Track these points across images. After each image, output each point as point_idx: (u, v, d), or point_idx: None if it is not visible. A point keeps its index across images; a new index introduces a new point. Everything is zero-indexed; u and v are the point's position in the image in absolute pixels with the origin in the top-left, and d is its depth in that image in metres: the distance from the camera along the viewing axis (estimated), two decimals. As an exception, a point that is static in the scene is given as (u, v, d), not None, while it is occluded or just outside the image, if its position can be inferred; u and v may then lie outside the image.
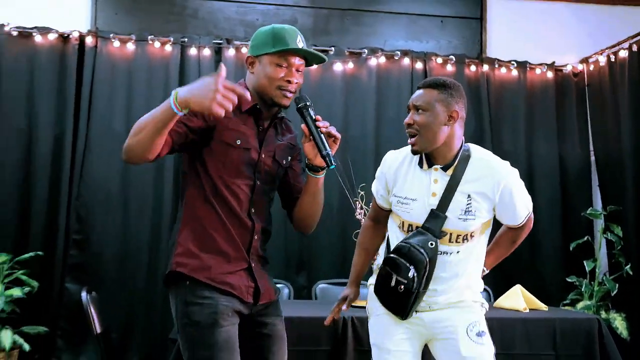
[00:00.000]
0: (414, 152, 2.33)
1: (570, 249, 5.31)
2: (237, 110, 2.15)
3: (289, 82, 2.15)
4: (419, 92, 2.32)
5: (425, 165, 2.34)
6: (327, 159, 2.07)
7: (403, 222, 2.38)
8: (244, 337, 2.19)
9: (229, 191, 2.15)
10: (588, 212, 5.34)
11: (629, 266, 4.98)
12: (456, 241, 2.31)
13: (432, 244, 2.25)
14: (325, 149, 2.07)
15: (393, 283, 2.27)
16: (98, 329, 3.08)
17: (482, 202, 2.29)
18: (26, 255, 4.75)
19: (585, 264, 5.16)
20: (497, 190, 2.27)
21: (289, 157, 2.33)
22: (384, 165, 2.49)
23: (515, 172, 2.35)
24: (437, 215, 2.27)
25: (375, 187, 2.54)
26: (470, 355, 2.27)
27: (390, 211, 2.50)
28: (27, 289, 4.65)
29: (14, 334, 4.52)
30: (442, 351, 2.35)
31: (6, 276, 4.65)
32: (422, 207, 2.31)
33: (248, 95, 1.98)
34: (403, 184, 2.39)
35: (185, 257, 2.15)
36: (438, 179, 2.31)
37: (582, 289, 5.16)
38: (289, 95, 2.17)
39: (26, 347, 4.56)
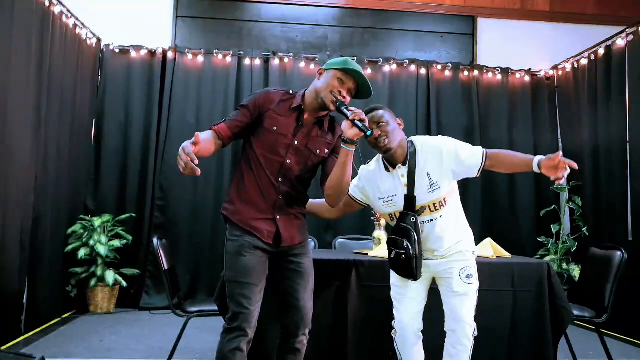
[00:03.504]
0: (387, 151, 2.44)
1: (541, 215, 5.53)
2: (287, 107, 2.32)
3: (340, 92, 2.25)
4: (375, 112, 2.45)
5: (390, 169, 2.52)
6: (366, 131, 2.13)
7: (390, 214, 2.54)
8: (276, 270, 2.33)
9: (264, 162, 2.28)
10: (555, 186, 5.47)
11: (585, 228, 5.19)
12: (435, 209, 2.45)
13: (412, 219, 2.42)
14: (365, 128, 2.13)
15: (393, 255, 2.47)
16: (165, 266, 3.20)
17: (439, 173, 2.44)
18: (123, 216, 5.17)
19: (552, 227, 5.37)
20: (445, 157, 2.43)
21: (326, 150, 2.35)
22: (361, 177, 2.64)
23: (448, 139, 2.51)
24: (409, 198, 2.45)
25: (353, 185, 2.66)
26: (460, 291, 2.46)
27: (354, 201, 2.67)
28: (124, 241, 5.06)
29: (116, 274, 4.94)
30: (441, 287, 2.54)
31: (109, 231, 5.04)
32: (401, 198, 2.48)
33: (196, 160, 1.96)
34: (382, 187, 2.54)
35: (228, 203, 2.33)
36: (403, 173, 2.47)
37: (549, 247, 5.37)
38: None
39: (124, 283, 4.97)
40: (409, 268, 2.42)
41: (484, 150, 2.46)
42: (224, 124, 2.31)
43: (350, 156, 2.19)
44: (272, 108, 2.31)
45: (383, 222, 3.59)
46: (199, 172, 1.95)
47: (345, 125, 2.17)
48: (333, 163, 2.31)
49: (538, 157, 2.29)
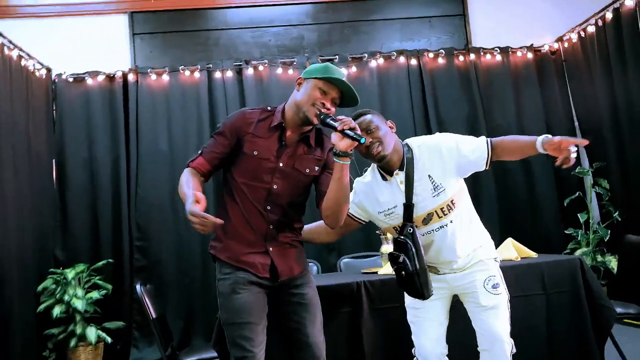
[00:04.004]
0: (381, 159, 2.42)
1: (565, 204, 5.46)
2: (267, 127, 2.32)
3: (323, 104, 2.25)
4: (362, 118, 2.44)
5: (387, 177, 2.49)
6: (359, 139, 2.10)
7: (395, 227, 2.50)
8: (278, 304, 2.34)
9: (248, 191, 2.29)
10: (577, 170, 5.42)
11: (617, 214, 5.12)
12: (444, 214, 2.43)
13: (410, 230, 2.39)
14: (358, 136, 2.11)
15: (395, 271, 2.44)
16: (153, 315, 3.18)
17: (442, 174, 2.42)
18: (99, 263, 5.06)
19: (579, 216, 5.31)
20: (445, 155, 2.43)
21: (316, 167, 2.36)
22: (357, 191, 2.61)
23: (447, 134, 2.52)
24: (407, 206, 2.42)
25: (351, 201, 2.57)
26: (488, 304, 2.42)
27: (352, 219, 2.61)
28: (103, 291, 4.95)
29: (98, 329, 4.82)
30: (467, 303, 2.50)
31: (85, 282, 4.94)
32: (402, 208, 2.45)
33: (218, 221, 2.02)
34: (381, 199, 2.51)
35: (215, 241, 2.36)
36: (402, 179, 2.45)
37: (579, 239, 5.30)
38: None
39: (108, 339, 4.84)
40: (413, 286, 2.39)
41: (488, 140, 2.44)
42: (202, 158, 2.32)
43: (345, 170, 2.19)
44: (250, 131, 2.31)
45: (390, 235, 3.55)
46: (219, 221, 2.03)
47: (335, 137, 2.16)
48: (327, 180, 2.31)
49: (541, 138, 2.26)
